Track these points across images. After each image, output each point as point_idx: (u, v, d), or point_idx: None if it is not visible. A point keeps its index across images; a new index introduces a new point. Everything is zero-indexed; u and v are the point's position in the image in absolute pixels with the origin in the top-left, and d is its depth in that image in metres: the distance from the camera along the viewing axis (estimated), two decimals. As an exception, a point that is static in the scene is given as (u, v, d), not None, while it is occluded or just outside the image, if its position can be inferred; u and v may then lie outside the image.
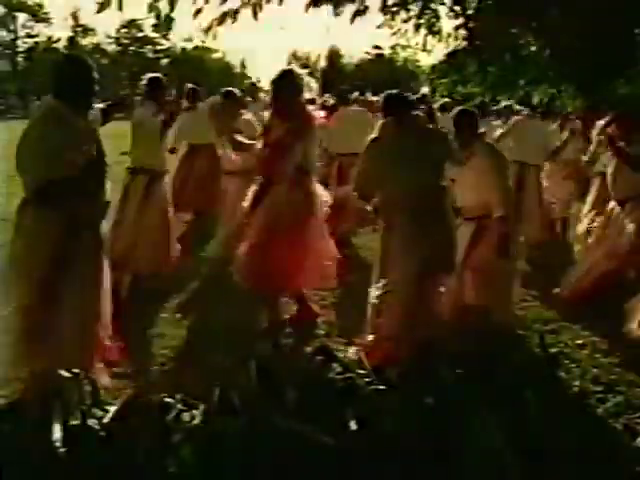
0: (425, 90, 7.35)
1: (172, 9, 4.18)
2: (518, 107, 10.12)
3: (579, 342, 5.19)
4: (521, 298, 6.24)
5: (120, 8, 4.10)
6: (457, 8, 4.79)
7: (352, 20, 4.48)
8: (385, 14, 4.74)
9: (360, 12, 4.48)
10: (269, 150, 5.24)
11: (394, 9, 4.72)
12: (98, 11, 4.11)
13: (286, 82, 5.23)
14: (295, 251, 5.15)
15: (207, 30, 4.36)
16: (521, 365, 4.42)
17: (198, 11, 4.30)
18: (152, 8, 4.24)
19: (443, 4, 4.87)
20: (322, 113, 5.65)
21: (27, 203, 4.03)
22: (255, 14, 4.29)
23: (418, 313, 4.56)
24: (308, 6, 4.50)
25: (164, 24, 4.35)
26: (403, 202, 4.59)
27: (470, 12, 4.71)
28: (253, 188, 5.36)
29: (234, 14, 4.30)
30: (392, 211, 4.67)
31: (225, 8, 4.30)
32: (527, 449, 3.26)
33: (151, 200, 6.22)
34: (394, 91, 5.05)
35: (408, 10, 4.76)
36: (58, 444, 3.07)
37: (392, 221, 4.66)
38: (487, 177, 4.95)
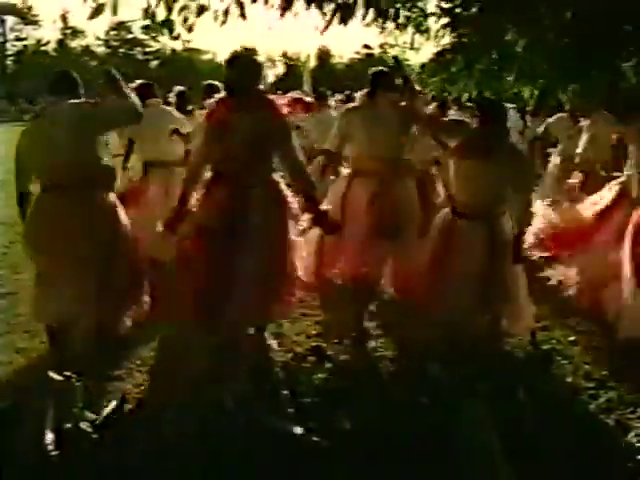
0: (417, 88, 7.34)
1: (170, 13, 4.19)
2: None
3: (571, 339, 5.19)
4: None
5: (115, 12, 4.10)
6: (444, 5, 4.80)
7: (345, 22, 4.45)
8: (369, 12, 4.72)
9: (346, 11, 4.46)
10: (237, 147, 4.39)
11: (383, 8, 4.71)
12: (91, 17, 4.11)
13: (244, 65, 4.54)
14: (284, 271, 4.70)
15: (184, 22, 4.33)
16: (514, 362, 4.44)
17: (183, 8, 4.30)
18: (147, 14, 4.24)
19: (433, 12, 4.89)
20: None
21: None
22: (242, 14, 4.28)
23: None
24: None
25: (165, 28, 4.35)
26: (367, 162, 5.12)
27: (457, 10, 4.71)
28: (203, 190, 4.64)
29: (225, 14, 4.30)
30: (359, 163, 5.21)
31: (203, 1, 4.29)
32: (520, 446, 3.27)
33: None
34: (380, 68, 5.30)
35: (396, 9, 4.76)
36: (50, 447, 3.07)
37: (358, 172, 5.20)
38: (510, 173, 4.67)
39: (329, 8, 4.34)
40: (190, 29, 4.40)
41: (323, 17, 4.38)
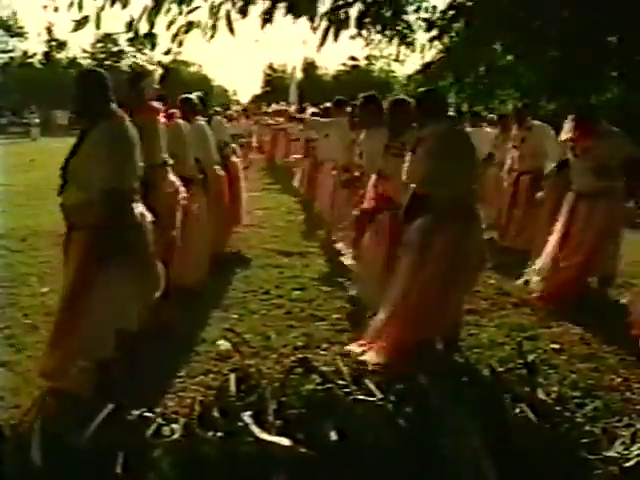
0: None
1: (152, 27, 4.19)
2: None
3: (556, 347, 5.22)
4: (500, 306, 6.30)
5: (98, 26, 4.11)
6: (430, 18, 4.84)
7: (335, 38, 4.47)
8: (360, 28, 4.75)
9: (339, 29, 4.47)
10: None
11: (367, 20, 4.73)
12: (75, 29, 4.12)
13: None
14: None
15: (174, 37, 4.34)
16: (500, 372, 4.45)
17: (171, 23, 4.30)
18: (131, 27, 4.24)
19: (419, 20, 4.91)
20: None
21: None
22: (231, 29, 4.28)
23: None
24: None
25: (147, 42, 4.35)
26: None
27: (441, 23, 4.75)
28: None
29: (212, 28, 4.31)
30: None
31: (192, 17, 4.31)
32: (508, 457, 3.27)
33: None
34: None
35: (381, 21, 4.79)
36: (36, 458, 3.05)
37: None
38: None
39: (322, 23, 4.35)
40: (180, 44, 4.44)
41: (314, 31, 4.39)
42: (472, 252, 4.67)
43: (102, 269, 4.19)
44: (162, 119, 5.64)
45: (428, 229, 4.64)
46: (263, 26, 4.30)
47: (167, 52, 4.68)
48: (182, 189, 5.81)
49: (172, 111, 6.17)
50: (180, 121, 6.43)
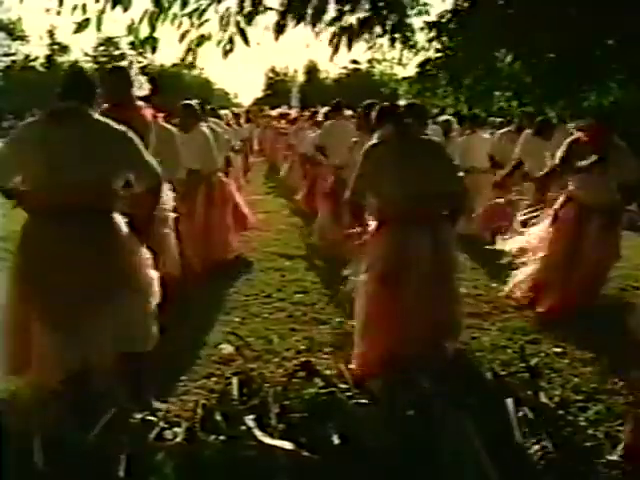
0: (403, 103, 7.39)
1: (153, 30, 4.19)
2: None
3: (558, 351, 5.21)
4: (502, 309, 6.30)
5: (99, 29, 4.12)
6: (430, 20, 4.86)
7: (349, 48, 4.46)
8: (363, 30, 4.76)
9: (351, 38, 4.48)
10: None
11: (370, 24, 4.74)
12: (76, 31, 4.13)
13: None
14: None
15: (187, 52, 4.36)
16: (502, 376, 4.45)
17: (183, 35, 4.31)
18: (131, 30, 4.25)
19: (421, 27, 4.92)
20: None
21: None
22: (245, 40, 4.28)
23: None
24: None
25: (148, 45, 4.35)
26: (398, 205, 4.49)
27: (442, 22, 4.77)
28: None
29: (229, 42, 4.31)
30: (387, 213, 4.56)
31: (203, 31, 4.32)
32: (509, 460, 3.27)
33: None
34: (386, 103, 5.01)
35: (384, 24, 4.79)
36: (39, 460, 3.05)
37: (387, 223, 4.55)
38: None
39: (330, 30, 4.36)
40: (194, 58, 4.47)
41: (330, 44, 4.40)
42: (423, 256, 4.41)
43: None
44: (146, 116, 5.51)
45: (375, 231, 4.58)
46: (277, 38, 4.30)
47: (187, 53, 4.65)
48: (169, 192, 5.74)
49: (157, 114, 6.07)
50: (168, 125, 6.32)
